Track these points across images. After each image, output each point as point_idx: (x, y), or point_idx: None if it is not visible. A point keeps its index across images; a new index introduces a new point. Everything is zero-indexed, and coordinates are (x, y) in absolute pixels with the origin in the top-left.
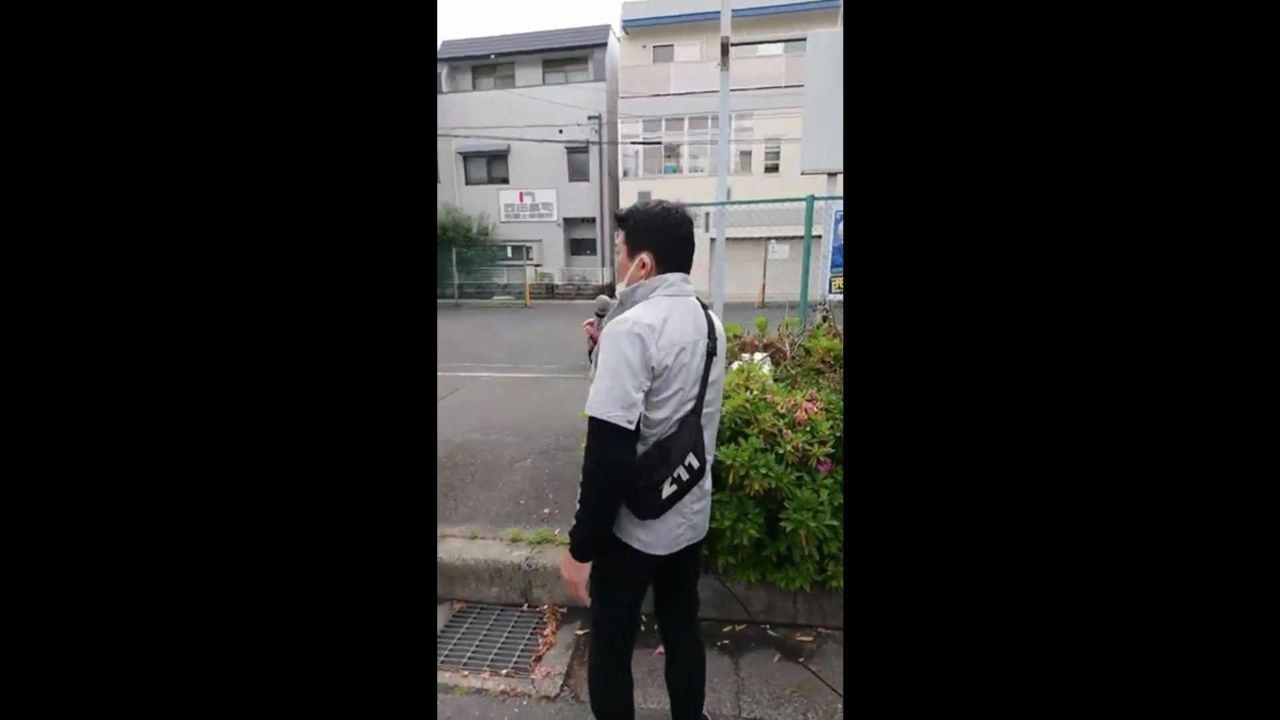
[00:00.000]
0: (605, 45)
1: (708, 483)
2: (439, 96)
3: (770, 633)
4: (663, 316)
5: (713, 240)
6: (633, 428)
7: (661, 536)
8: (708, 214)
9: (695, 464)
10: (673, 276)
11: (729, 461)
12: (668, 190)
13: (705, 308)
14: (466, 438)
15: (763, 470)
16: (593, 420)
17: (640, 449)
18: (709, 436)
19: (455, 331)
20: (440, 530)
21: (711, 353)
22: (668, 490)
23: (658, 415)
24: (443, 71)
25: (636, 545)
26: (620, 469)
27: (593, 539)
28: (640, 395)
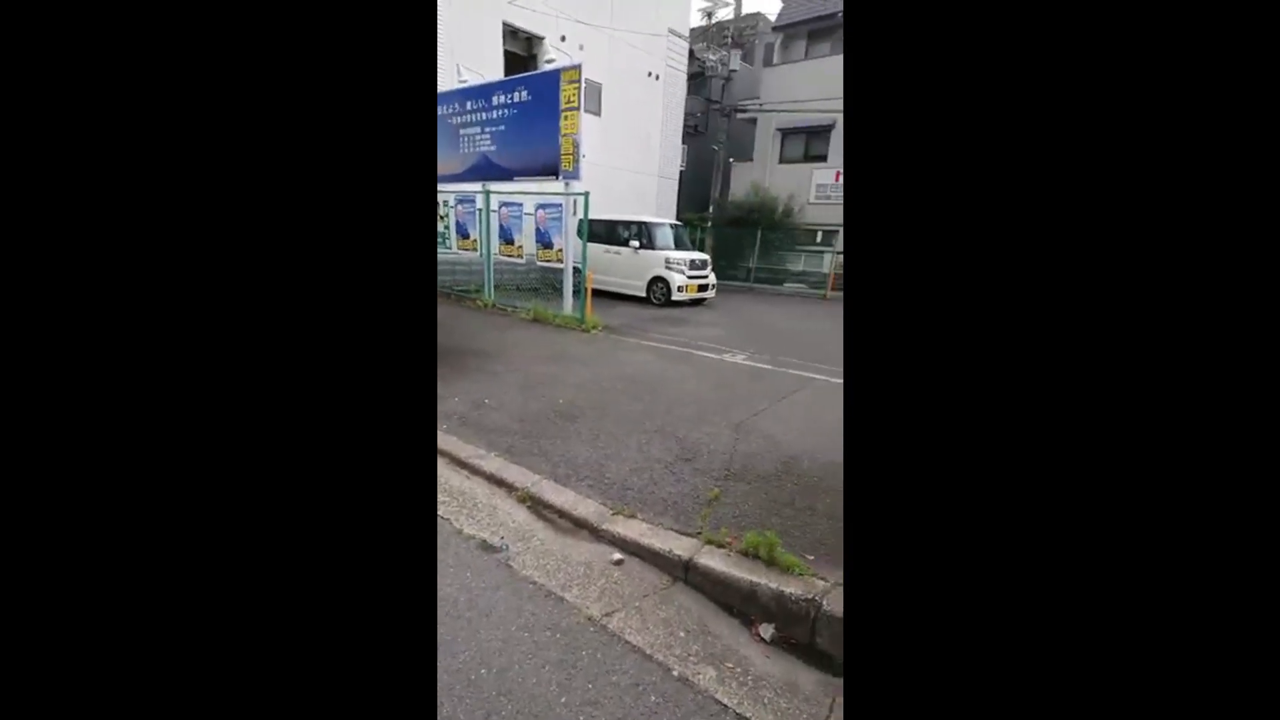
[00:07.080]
0: None
1: None
2: (765, 69)
3: None
4: None
5: None
6: None
7: None
8: None
9: None
10: None
11: None
12: None
13: None
14: (829, 458)
15: None
16: None
17: None
18: None
19: (767, 319)
20: None
21: None
22: None
23: None
24: (775, 41)
25: None
26: None
27: None
28: None
